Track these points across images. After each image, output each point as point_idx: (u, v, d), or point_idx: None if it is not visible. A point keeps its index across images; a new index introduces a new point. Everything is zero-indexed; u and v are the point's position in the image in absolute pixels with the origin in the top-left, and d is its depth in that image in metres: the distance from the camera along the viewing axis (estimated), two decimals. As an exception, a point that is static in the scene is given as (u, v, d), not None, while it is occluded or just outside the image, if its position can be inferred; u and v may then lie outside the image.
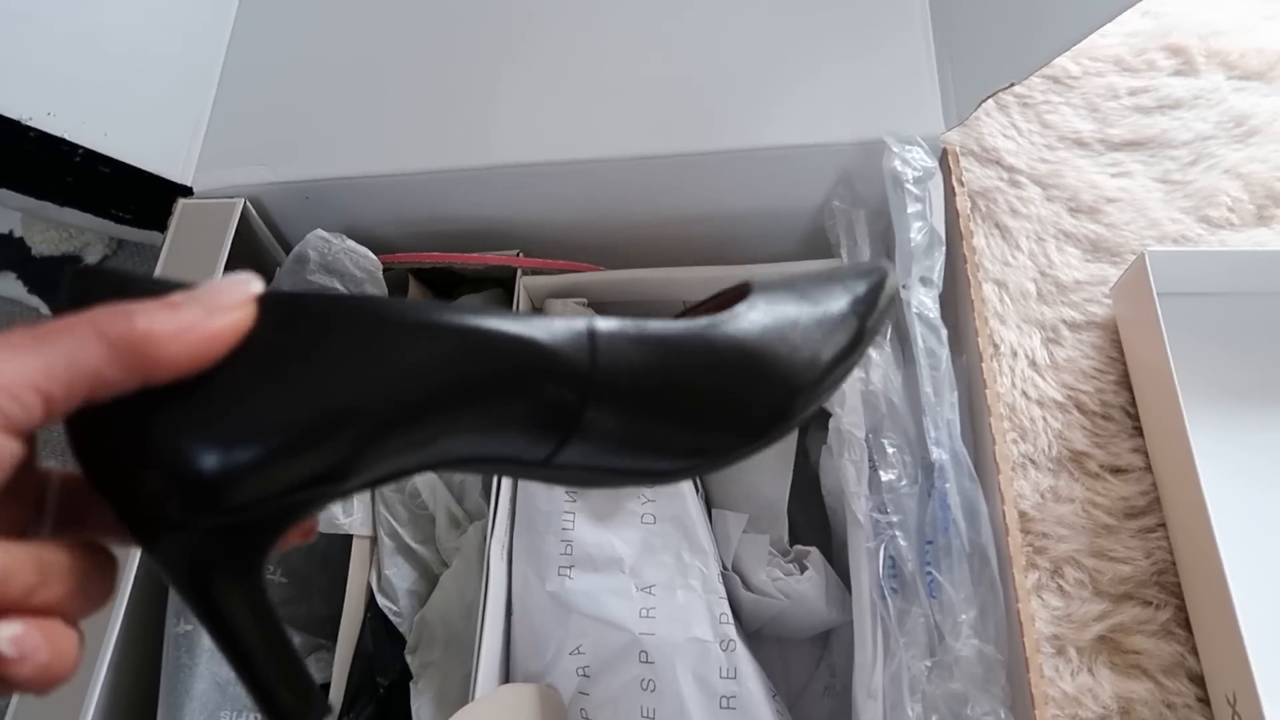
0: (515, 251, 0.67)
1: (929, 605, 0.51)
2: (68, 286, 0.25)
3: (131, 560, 0.54)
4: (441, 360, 0.27)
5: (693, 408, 0.31)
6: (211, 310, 0.24)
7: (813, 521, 0.64)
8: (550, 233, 0.68)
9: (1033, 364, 0.70)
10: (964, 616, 0.49)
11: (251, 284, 0.25)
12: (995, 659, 0.48)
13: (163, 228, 0.64)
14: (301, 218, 0.66)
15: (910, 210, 0.53)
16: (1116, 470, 0.66)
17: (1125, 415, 0.67)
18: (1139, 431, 0.67)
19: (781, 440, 0.34)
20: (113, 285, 0.25)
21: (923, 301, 0.52)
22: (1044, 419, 0.67)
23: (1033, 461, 0.66)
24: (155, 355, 0.23)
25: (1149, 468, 0.65)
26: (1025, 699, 0.46)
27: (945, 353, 0.51)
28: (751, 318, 0.33)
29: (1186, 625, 0.61)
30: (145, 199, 0.67)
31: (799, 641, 0.63)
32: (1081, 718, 0.59)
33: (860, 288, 0.37)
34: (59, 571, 0.23)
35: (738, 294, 0.34)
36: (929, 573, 0.51)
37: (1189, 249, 0.66)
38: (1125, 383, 0.68)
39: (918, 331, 0.51)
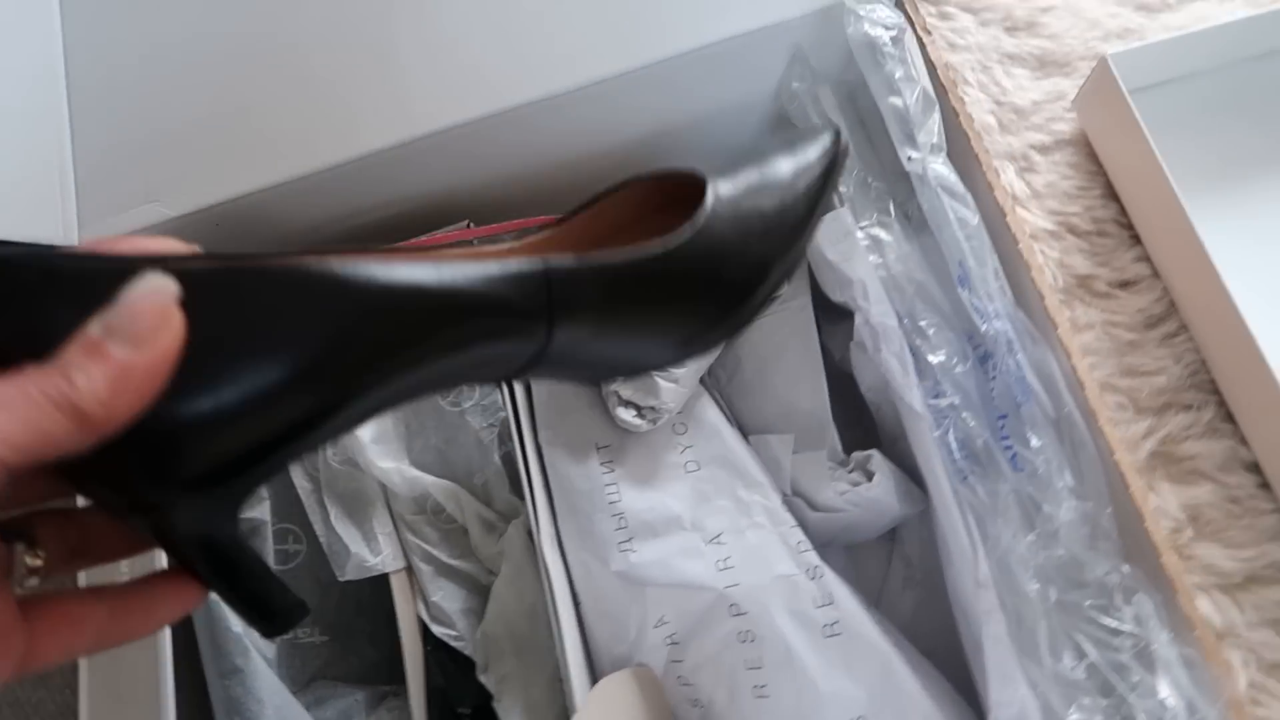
0: (464, 223, 0.60)
1: (1015, 479, 0.49)
2: None
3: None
4: (394, 322, 0.27)
5: (653, 326, 0.32)
6: (139, 343, 0.23)
7: (847, 420, 0.61)
8: (496, 193, 0.62)
9: (1014, 198, 0.67)
10: (1060, 483, 0.47)
11: (168, 289, 0.23)
12: (1103, 515, 0.47)
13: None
14: (220, 245, 0.59)
15: (898, 75, 0.49)
16: (1125, 284, 0.64)
17: (1119, 227, 0.66)
18: (1136, 240, 0.65)
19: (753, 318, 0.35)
20: (37, 270, 0.23)
21: (939, 172, 0.48)
22: (1041, 252, 0.65)
23: (1044, 298, 0.64)
24: (102, 417, 0.22)
25: (1156, 274, 0.64)
26: (1146, 549, 0.45)
27: (976, 219, 0.48)
28: (710, 231, 0.33)
29: (1230, 418, 0.61)
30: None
31: (866, 541, 0.61)
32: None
33: (812, 153, 0.38)
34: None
35: (687, 183, 0.34)
36: (1009, 446, 0.49)
37: (1147, 42, 0.64)
38: (1110, 194, 0.66)
39: (946, 204, 0.48)
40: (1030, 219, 0.66)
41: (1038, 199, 0.67)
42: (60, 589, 0.28)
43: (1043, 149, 0.68)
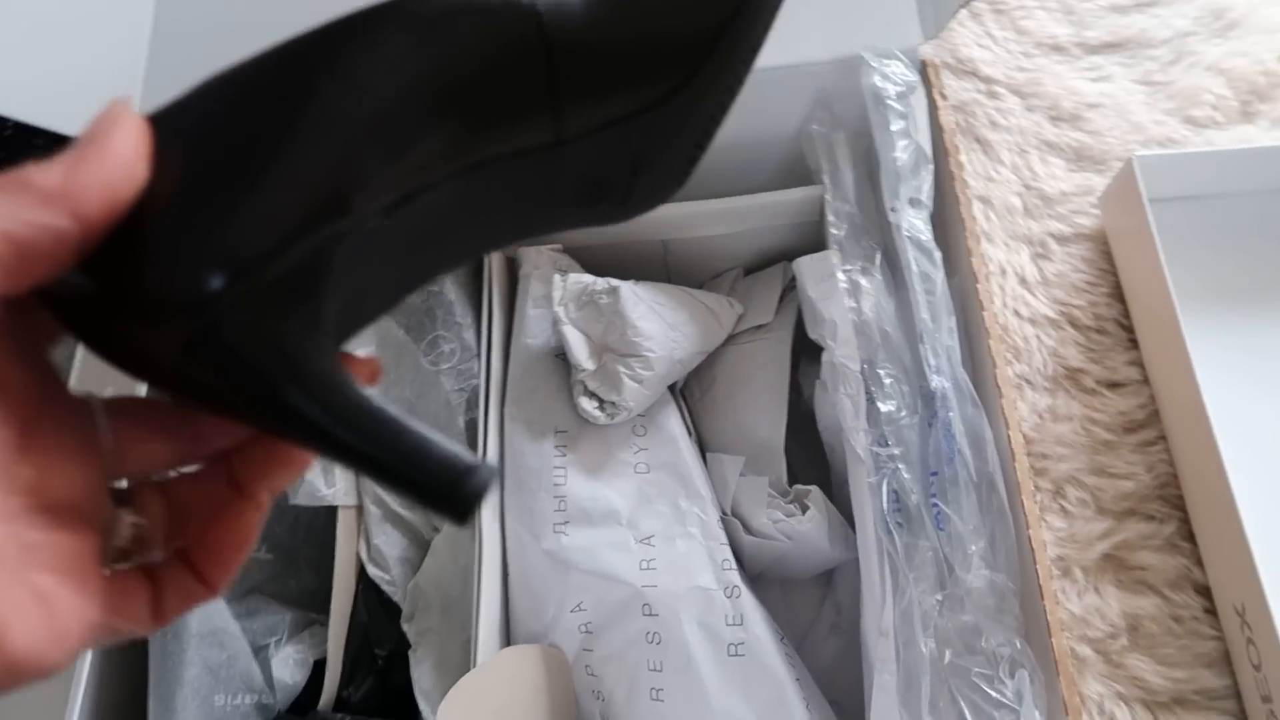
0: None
1: (936, 538, 0.49)
2: None
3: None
4: (402, 68, 0.26)
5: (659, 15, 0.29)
6: (89, 141, 0.23)
7: (809, 458, 0.62)
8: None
9: (1023, 281, 0.68)
10: (973, 547, 0.47)
11: (120, 101, 0.25)
12: (1008, 588, 0.47)
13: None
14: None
15: (894, 128, 0.51)
16: (1113, 385, 0.65)
17: (1119, 328, 0.66)
18: (1134, 344, 0.65)
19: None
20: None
21: (914, 224, 0.50)
22: (1038, 337, 0.66)
23: (1028, 382, 0.65)
24: (59, 192, 0.22)
25: (1146, 380, 0.64)
26: (1041, 627, 0.45)
27: (940, 276, 0.49)
28: None
29: (1190, 538, 0.61)
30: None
31: (802, 581, 0.62)
32: (1090, 638, 0.58)
33: None
34: None
35: None
36: (935, 504, 0.49)
37: (1176, 152, 0.64)
38: (1118, 294, 0.67)
39: (911, 255, 0.49)
40: (1033, 303, 0.67)
41: (1045, 286, 0.68)
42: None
43: (1061, 239, 0.69)
